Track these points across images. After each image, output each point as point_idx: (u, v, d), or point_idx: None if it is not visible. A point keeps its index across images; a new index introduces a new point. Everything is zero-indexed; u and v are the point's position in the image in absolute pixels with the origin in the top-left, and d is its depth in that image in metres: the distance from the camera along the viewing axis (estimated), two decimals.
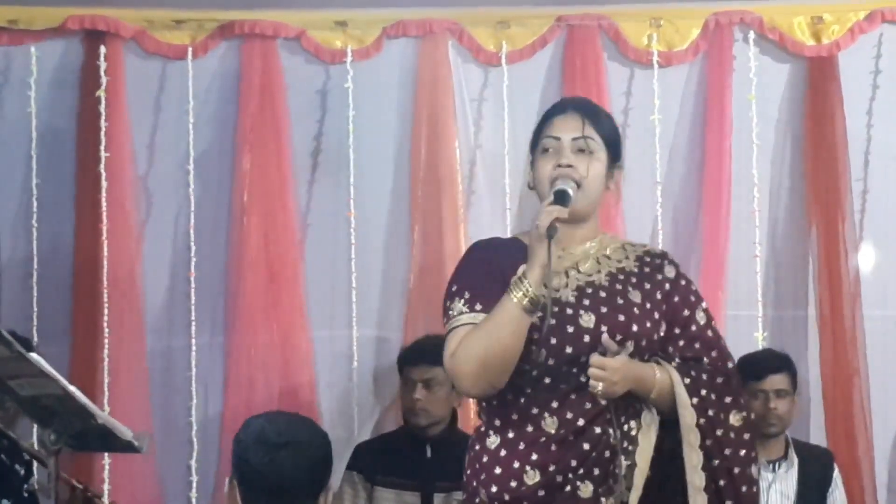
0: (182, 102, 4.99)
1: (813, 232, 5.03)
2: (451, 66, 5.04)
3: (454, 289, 3.10)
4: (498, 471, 3.04)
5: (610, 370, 2.95)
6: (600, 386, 2.96)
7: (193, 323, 4.95)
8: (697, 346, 3.13)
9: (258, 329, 4.94)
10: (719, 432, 3.08)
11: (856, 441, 4.92)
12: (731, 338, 4.89)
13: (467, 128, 5.05)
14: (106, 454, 4.20)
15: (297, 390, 4.89)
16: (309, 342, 4.98)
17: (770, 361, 4.65)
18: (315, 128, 5.09)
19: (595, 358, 2.96)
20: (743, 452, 3.10)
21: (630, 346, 3.04)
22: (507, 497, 3.03)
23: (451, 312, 3.07)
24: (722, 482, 3.06)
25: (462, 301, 3.05)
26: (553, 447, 3.01)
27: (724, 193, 4.99)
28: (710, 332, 3.17)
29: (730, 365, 3.18)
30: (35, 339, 4.83)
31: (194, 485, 4.88)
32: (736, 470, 3.08)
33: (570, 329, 3.02)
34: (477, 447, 3.12)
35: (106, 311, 4.87)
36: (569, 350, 3.01)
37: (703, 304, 3.21)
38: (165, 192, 5.04)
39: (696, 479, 3.04)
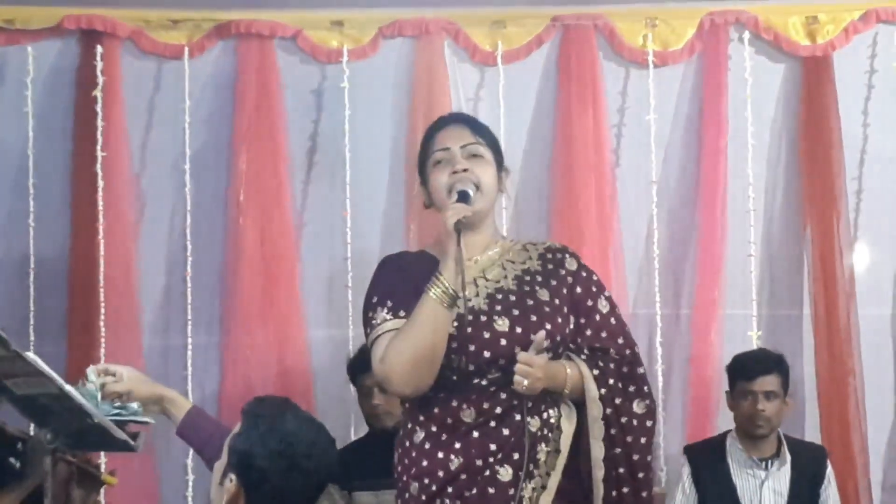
0: (178, 102, 4.99)
1: (808, 231, 5.04)
2: (447, 65, 5.05)
3: (375, 300, 3.19)
4: (425, 463, 3.14)
5: (536, 367, 3.03)
6: (526, 382, 3.04)
7: (190, 322, 4.95)
8: (604, 335, 3.20)
9: (254, 328, 4.94)
10: (623, 420, 3.16)
11: (851, 439, 4.93)
12: (726, 336, 4.96)
13: None
14: (102, 453, 4.20)
15: (293, 389, 4.87)
16: (305, 341, 4.98)
17: (760, 362, 4.64)
18: (311, 127, 5.09)
19: (523, 355, 3.04)
20: (644, 440, 3.18)
21: (549, 343, 3.12)
22: (434, 487, 3.11)
23: (374, 321, 3.16)
24: (621, 469, 3.15)
25: (385, 309, 3.14)
26: (474, 434, 3.10)
27: (719, 193, 5.01)
28: (613, 320, 3.23)
29: (635, 351, 3.25)
30: (32, 337, 4.84)
31: (190, 484, 4.88)
32: (635, 457, 3.16)
33: (487, 335, 3.11)
34: (406, 443, 3.21)
35: (102, 311, 4.87)
36: (487, 354, 3.10)
37: (606, 293, 3.28)
38: (162, 192, 5.04)
39: (597, 470, 3.14)
